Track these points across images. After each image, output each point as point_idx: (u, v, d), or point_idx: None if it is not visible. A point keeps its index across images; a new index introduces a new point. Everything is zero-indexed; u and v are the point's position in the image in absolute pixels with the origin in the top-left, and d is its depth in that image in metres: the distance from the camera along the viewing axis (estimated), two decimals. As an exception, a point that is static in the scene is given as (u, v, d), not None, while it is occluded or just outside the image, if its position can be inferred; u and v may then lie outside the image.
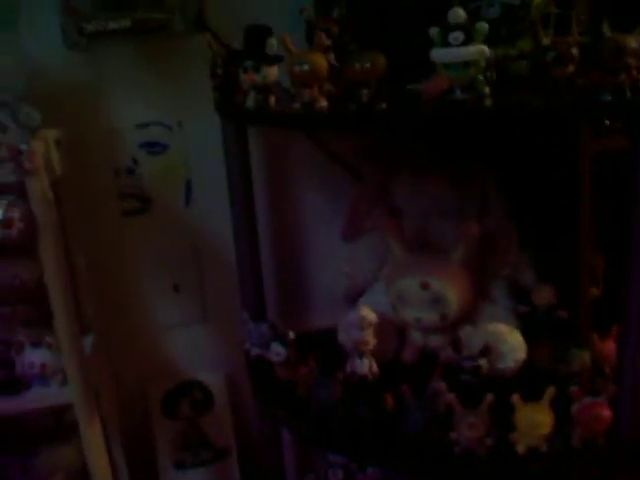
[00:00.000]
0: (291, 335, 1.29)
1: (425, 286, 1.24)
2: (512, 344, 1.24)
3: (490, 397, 1.08)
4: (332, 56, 1.10)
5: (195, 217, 1.43)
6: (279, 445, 1.50)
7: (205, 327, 1.50)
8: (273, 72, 1.07)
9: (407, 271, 1.27)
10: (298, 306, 1.51)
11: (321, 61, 1.02)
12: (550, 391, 1.07)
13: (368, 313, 1.24)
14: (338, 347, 1.29)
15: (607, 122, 1.20)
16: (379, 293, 1.36)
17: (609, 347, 1.22)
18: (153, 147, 1.37)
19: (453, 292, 1.24)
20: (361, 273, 1.42)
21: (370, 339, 1.24)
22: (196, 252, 1.45)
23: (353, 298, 1.42)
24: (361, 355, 1.24)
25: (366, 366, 1.25)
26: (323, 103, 1.02)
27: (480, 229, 1.23)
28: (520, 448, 1.08)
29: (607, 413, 1.06)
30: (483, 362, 1.20)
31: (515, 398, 1.08)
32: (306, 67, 1.01)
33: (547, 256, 1.29)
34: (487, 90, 0.92)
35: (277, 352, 1.30)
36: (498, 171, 1.30)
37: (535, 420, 1.07)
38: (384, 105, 0.97)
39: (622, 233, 1.03)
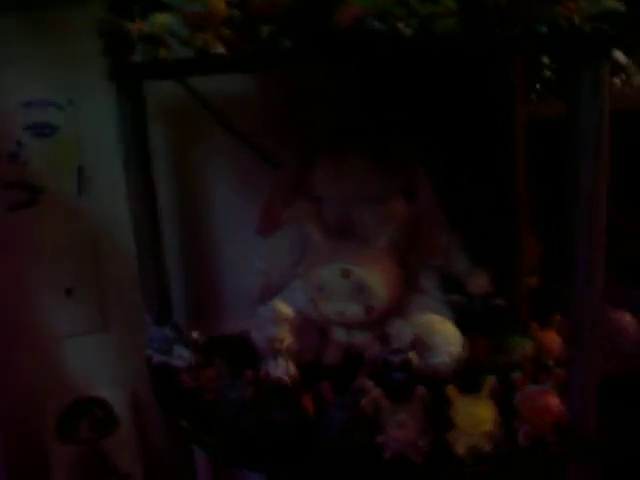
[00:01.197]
0: (195, 335, 1.10)
1: (346, 274, 1.07)
2: (445, 336, 1.07)
3: (421, 390, 0.92)
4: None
5: (91, 209, 1.23)
6: (192, 469, 1.29)
7: (106, 336, 1.29)
8: (164, 19, 0.91)
9: (327, 259, 1.10)
10: (209, 309, 1.32)
11: (217, 1, 0.86)
12: (490, 380, 0.91)
13: (282, 307, 1.07)
14: (253, 351, 1.12)
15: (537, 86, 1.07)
16: (297, 291, 1.18)
17: (551, 337, 1.08)
18: (41, 129, 1.18)
19: (377, 281, 1.07)
20: (277, 270, 1.24)
21: (285, 336, 1.07)
22: (92, 250, 1.25)
23: (268, 298, 1.24)
24: (276, 355, 1.07)
25: (282, 367, 1.07)
26: (219, 48, 0.86)
27: (407, 209, 1.08)
28: (459, 449, 0.91)
29: (555, 401, 0.90)
30: (413, 355, 1.04)
31: (450, 389, 0.91)
32: (201, 8, 0.86)
33: (480, 241, 1.14)
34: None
35: (180, 356, 1.11)
36: (424, 149, 1.16)
37: (474, 414, 0.90)
38: (288, 42, 0.81)
39: (562, 213, 0.90)
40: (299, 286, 1.18)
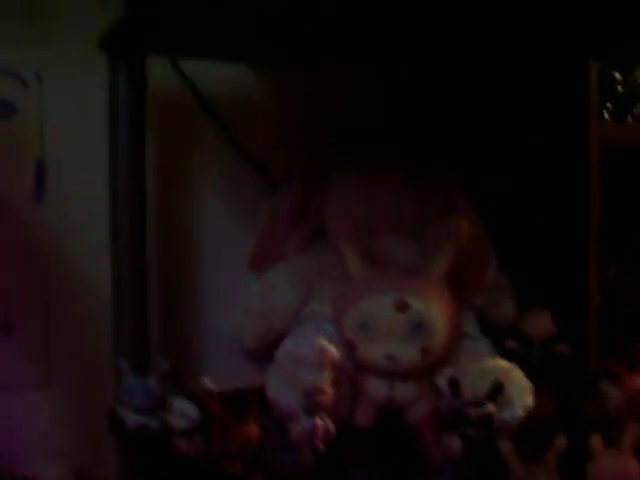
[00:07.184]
0: (208, 384, 0.78)
1: (403, 307, 0.81)
2: (520, 385, 0.84)
3: (561, 440, 0.67)
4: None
5: (48, 219, 0.88)
6: None
7: (48, 392, 0.90)
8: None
9: (375, 289, 0.83)
10: (188, 360, 0.97)
11: None
12: (633, 430, 0.68)
13: (328, 347, 0.79)
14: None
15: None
16: (311, 332, 0.89)
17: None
18: (-6, 107, 0.84)
19: (439, 317, 0.82)
20: (279, 312, 0.95)
21: (328, 387, 0.78)
22: (44, 276, 0.89)
23: (266, 348, 0.94)
24: (312, 412, 0.77)
25: (321, 428, 0.77)
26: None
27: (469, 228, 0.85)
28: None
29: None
30: (492, 408, 0.79)
31: (594, 439, 0.67)
32: None
33: (534, 277, 0.93)
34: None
35: (184, 413, 0.78)
36: (467, 167, 0.94)
37: (626, 467, 0.66)
38: None
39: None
40: (309, 330, 0.90)
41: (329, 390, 0.78)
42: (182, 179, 0.96)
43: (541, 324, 0.89)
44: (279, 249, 0.99)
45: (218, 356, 0.98)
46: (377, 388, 0.85)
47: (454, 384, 0.79)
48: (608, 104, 0.88)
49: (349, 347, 0.83)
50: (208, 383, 0.77)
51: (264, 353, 0.94)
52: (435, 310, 0.82)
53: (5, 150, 0.84)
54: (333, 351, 0.78)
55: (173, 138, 0.94)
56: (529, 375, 0.87)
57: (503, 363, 0.83)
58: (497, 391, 0.77)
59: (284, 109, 0.97)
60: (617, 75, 0.88)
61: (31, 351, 0.88)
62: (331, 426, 0.77)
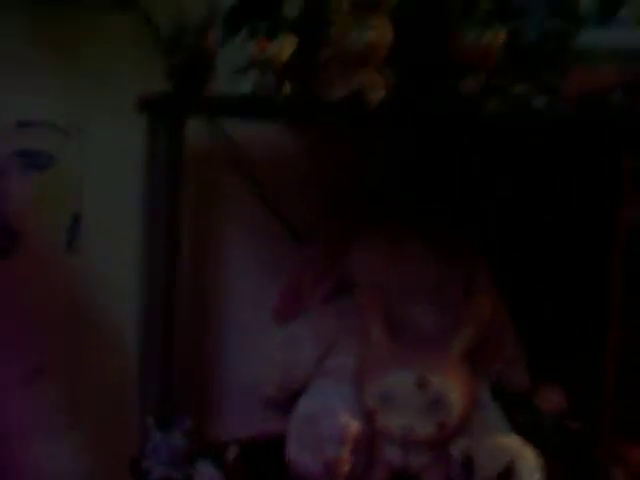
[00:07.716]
0: (233, 452, 0.80)
1: (422, 384, 0.83)
2: (531, 463, 0.86)
3: None
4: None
5: (79, 269, 0.89)
6: None
7: (72, 437, 0.91)
8: (292, 43, 0.65)
9: (397, 364, 0.85)
10: (209, 409, 1.00)
11: (386, 28, 0.62)
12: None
13: (351, 422, 0.81)
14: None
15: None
16: (331, 394, 0.91)
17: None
18: (34, 158, 0.84)
19: (456, 394, 0.84)
20: (299, 365, 0.97)
21: (348, 459, 0.80)
22: (74, 323, 0.90)
23: (285, 400, 0.96)
24: (333, 480, 0.80)
25: (338, 497, 0.81)
26: (381, 91, 0.61)
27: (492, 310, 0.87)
28: None
29: None
30: (504, 488, 0.82)
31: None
32: (369, 35, 0.60)
33: (550, 350, 0.94)
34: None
35: (206, 475, 0.80)
36: (488, 240, 0.96)
37: None
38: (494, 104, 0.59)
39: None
40: (330, 387, 0.92)
41: (348, 460, 0.81)
42: (210, 232, 0.97)
43: (553, 399, 0.91)
44: (304, 302, 1.01)
45: (241, 404, 1.00)
46: (392, 453, 0.87)
47: (468, 463, 0.82)
48: None
49: (368, 414, 0.86)
50: (233, 452, 0.79)
51: (285, 402, 0.97)
52: (454, 387, 0.84)
53: (43, 200, 0.85)
54: (355, 427, 0.81)
55: (204, 191, 0.95)
56: (538, 448, 0.90)
57: (516, 441, 0.85)
58: (509, 473, 0.80)
59: (313, 166, 0.98)
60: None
61: (58, 396, 0.90)
62: (348, 495, 0.80)
